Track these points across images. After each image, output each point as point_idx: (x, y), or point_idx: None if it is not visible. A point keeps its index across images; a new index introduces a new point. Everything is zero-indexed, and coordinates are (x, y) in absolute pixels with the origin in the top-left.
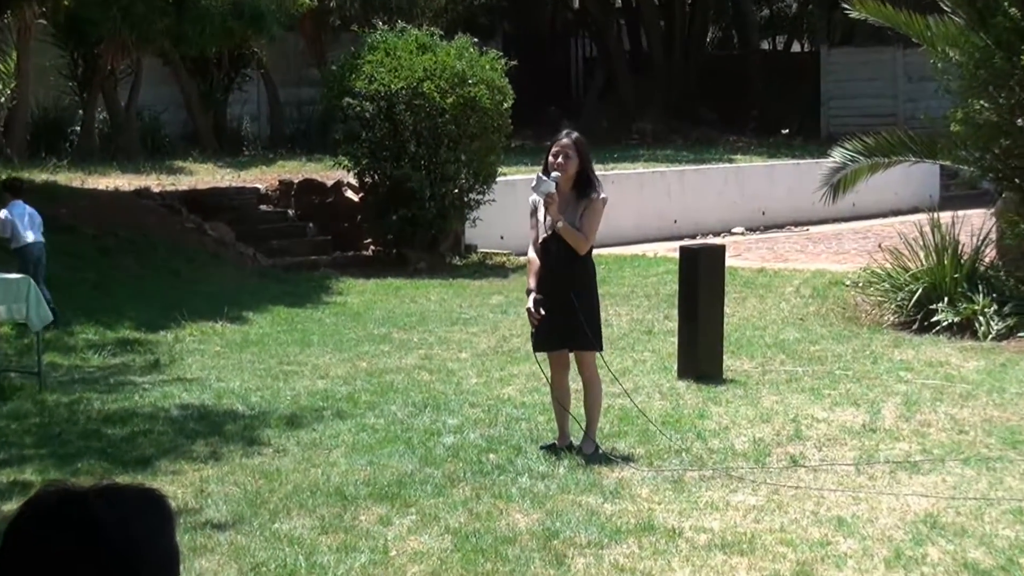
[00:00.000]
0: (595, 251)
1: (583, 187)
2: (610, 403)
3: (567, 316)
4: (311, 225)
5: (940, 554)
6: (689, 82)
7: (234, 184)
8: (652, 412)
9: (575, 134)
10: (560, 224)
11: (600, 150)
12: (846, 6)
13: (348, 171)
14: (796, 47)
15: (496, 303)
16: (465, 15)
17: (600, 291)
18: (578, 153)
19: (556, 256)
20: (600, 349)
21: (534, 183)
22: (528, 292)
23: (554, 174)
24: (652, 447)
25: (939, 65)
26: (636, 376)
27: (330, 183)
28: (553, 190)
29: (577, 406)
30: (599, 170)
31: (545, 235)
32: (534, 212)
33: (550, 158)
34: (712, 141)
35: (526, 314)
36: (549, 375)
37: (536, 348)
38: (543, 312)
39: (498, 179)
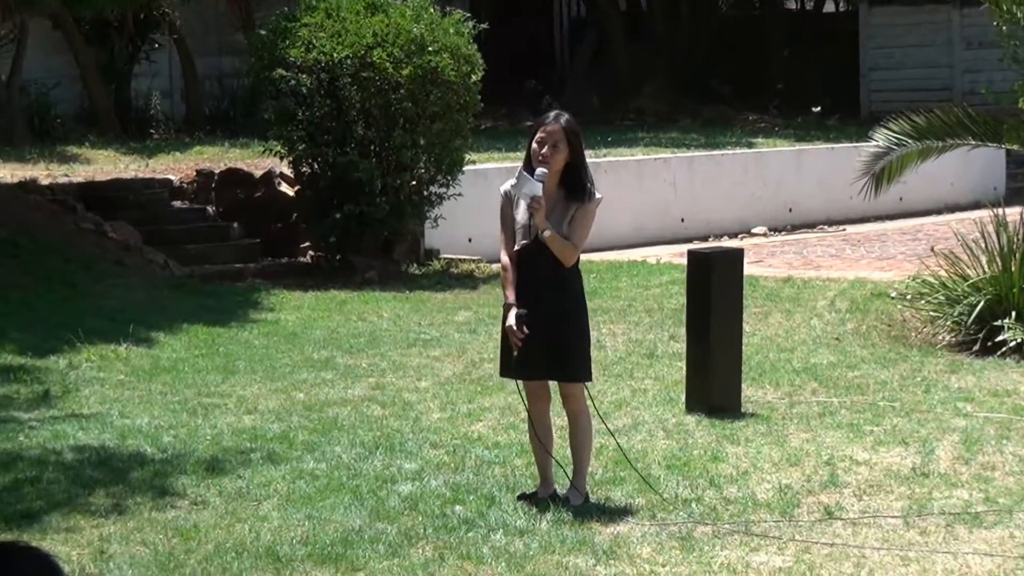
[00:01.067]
0: (584, 256)
1: (573, 185)
2: (603, 442)
3: (551, 339)
4: (236, 225)
5: None
6: (699, 49)
7: (141, 175)
8: (655, 454)
9: (566, 117)
10: (547, 233)
11: (590, 132)
12: None
13: (281, 159)
14: (830, 6)
15: (463, 320)
16: None
17: (590, 306)
18: (568, 142)
19: (536, 267)
20: (589, 379)
21: (514, 182)
22: (507, 307)
23: (540, 170)
24: (655, 497)
25: (1004, 28)
26: (635, 409)
27: (259, 174)
28: (540, 192)
29: (563, 447)
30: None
31: (524, 241)
32: (507, 209)
33: (534, 146)
34: (727, 121)
35: (505, 333)
36: (528, 408)
37: (510, 374)
38: (526, 330)
39: (465, 168)
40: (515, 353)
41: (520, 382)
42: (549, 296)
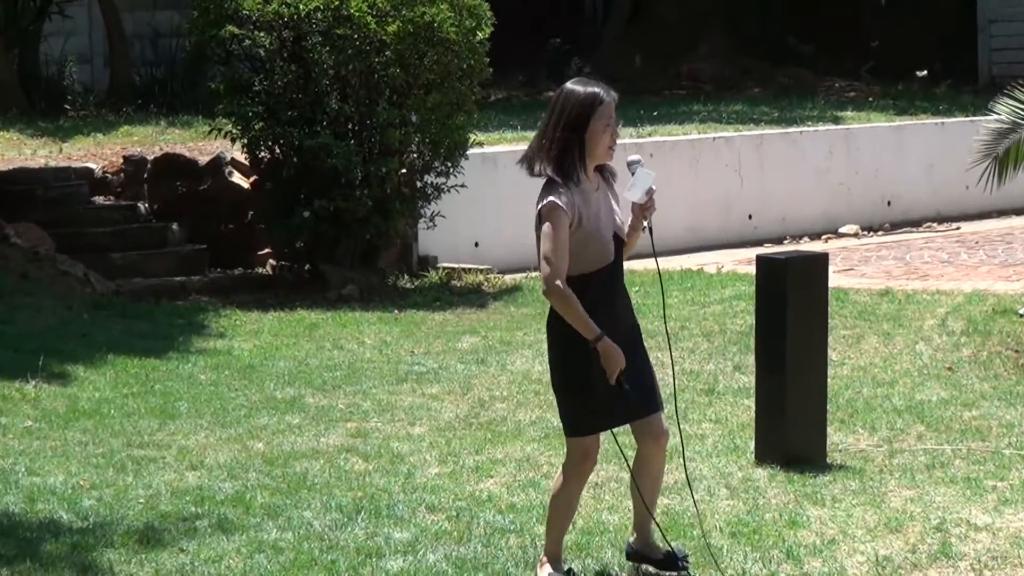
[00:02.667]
0: (624, 264)
1: (605, 171)
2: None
3: (643, 365)
4: (175, 227)
5: None
6: None
7: (53, 163)
8: (717, 517)
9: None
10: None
11: (631, 105)
12: None
13: (233, 141)
14: None
15: (468, 348)
16: None
17: None
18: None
19: (614, 283)
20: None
21: (637, 178)
22: (598, 337)
23: (634, 157)
24: (714, 570)
25: None
26: (691, 459)
27: (204, 161)
28: (653, 184)
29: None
30: (630, 137)
31: (609, 260)
32: (567, 223)
33: (605, 135)
34: (808, 89)
35: (589, 377)
36: (632, 458)
37: (616, 421)
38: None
39: (470, 152)
40: (614, 394)
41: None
42: (626, 316)
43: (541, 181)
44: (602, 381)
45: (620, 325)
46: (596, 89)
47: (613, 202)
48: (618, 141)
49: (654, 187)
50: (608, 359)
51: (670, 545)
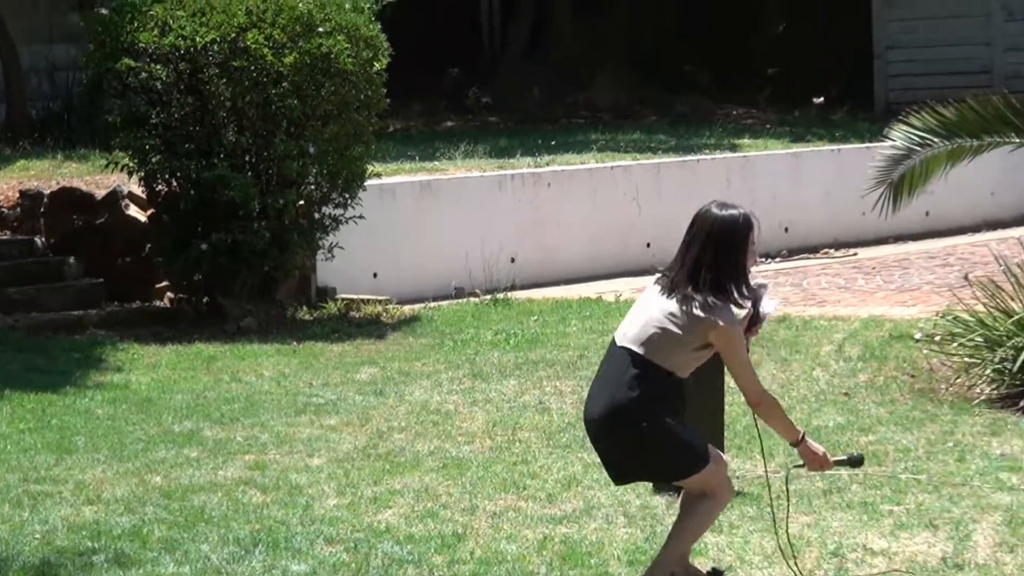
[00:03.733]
0: (523, 293)
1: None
2: (549, 532)
3: None
4: (72, 261)
5: None
6: (668, 25)
7: None
8: (614, 546)
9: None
10: None
11: (528, 134)
12: None
13: (130, 175)
14: None
15: (366, 379)
16: None
17: (532, 355)
18: None
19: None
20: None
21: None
22: (801, 439)
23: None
24: None
25: None
26: (588, 489)
27: (101, 194)
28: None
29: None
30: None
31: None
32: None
33: (749, 255)
34: (705, 117)
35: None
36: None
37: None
38: None
39: (368, 183)
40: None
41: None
42: None
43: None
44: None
45: None
46: (747, 216)
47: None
48: (518, 175)
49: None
50: (811, 460)
51: None
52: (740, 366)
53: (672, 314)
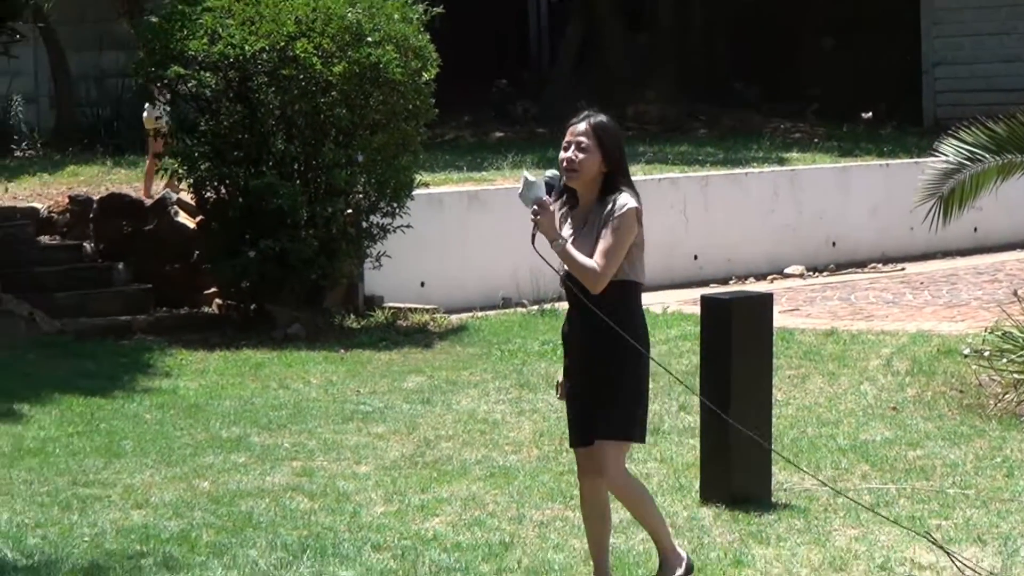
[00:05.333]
0: (567, 305)
1: (607, 193)
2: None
3: (590, 394)
4: (120, 267)
5: None
6: (715, 40)
7: None
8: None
9: (600, 117)
10: (559, 243)
11: None
12: None
13: (179, 182)
14: None
15: (414, 387)
16: None
17: None
18: (600, 144)
19: (574, 304)
20: (626, 436)
21: (520, 187)
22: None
23: (549, 172)
24: None
25: None
26: None
27: (150, 201)
28: (544, 194)
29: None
30: None
31: (559, 272)
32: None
33: (561, 153)
34: (753, 131)
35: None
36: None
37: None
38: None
39: (415, 193)
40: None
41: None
42: (585, 335)
43: (490, 222)
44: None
45: (573, 348)
46: (579, 114)
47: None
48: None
49: (542, 195)
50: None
51: None
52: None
53: None
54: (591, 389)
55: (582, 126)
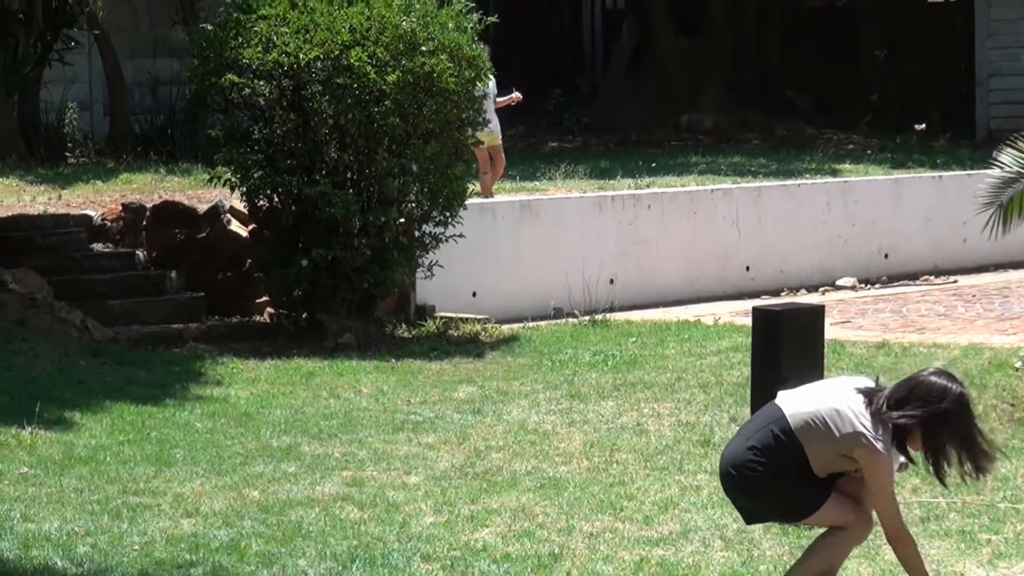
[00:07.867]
0: (621, 315)
1: None
2: (645, 553)
3: None
4: (173, 275)
5: None
6: (770, 49)
7: (52, 210)
8: (710, 569)
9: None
10: None
11: (629, 155)
12: None
13: (232, 190)
14: None
15: (464, 397)
16: None
17: (630, 376)
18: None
19: None
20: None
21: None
22: None
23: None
24: None
25: None
26: (684, 512)
27: (203, 209)
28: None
29: None
30: (610, 190)
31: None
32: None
33: None
34: (806, 142)
35: None
36: None
37: None
38: None
39: (468, 202)
40: None
41: None
42: None
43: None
44: None
45: None
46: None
47: None
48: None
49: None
50: None
51: None
52: (882, 494)
53: (847, 412)
54: None
55: None
